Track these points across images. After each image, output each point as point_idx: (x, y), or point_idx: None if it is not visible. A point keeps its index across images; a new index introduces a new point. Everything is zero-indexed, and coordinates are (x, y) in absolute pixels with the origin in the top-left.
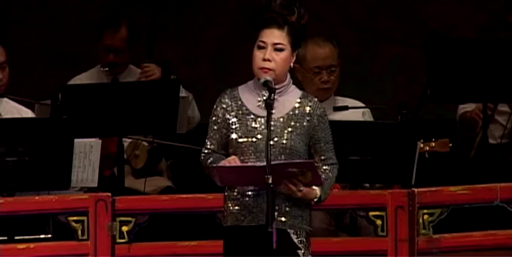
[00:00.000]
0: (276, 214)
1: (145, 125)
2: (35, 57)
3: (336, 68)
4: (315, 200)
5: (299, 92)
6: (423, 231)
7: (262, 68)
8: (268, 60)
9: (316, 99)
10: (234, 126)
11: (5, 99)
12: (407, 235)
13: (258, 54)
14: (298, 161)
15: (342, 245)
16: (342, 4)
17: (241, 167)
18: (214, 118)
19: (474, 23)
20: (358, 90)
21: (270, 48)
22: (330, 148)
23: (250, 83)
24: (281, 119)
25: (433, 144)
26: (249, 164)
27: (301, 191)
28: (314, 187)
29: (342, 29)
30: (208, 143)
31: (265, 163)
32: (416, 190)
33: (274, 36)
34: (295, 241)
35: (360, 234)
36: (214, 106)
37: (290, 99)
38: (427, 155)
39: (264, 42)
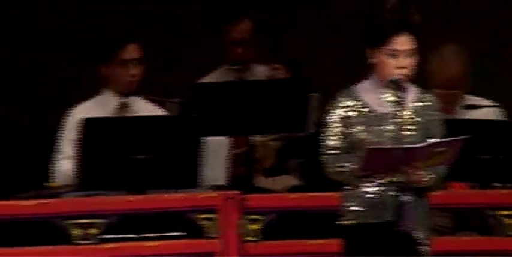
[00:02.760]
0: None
1: (273, 124)
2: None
3: None
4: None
5: (414, 88)
6: None
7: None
8: (404, 67)
9: (431, 94)
10: (358, 126)
11: (138, 98)
12: None
13: (391, 62)
14: (451, 139)
15: (470, 244)
16: None
17: (394, 149)
18: (334, 118)
19: None
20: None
21: (403, 56)
22: None
23: (365, 82)
24: (404, 117)
25: None
26: (403, 146)
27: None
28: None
29: None
30: (332, 142)
31: (422, 144)
32: None
33: (407, 42)
34: (420, 237)
35: (491, 234)
36: (332, 106)
37: (408, 95)
38: None
39: (397, 50)
